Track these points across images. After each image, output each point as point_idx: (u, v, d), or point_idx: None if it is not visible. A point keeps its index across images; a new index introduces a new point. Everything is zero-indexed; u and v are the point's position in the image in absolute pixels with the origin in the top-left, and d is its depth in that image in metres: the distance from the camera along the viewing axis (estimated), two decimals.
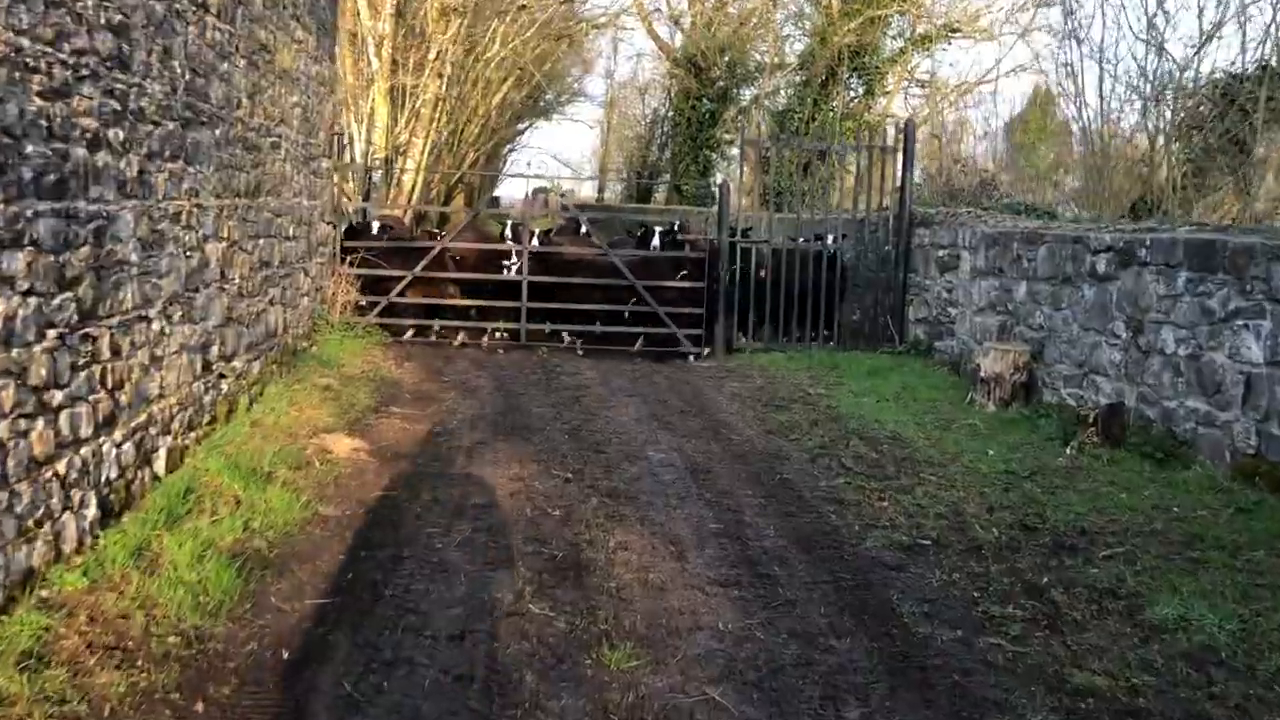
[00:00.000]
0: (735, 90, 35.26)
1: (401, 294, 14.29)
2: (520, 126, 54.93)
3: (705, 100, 39.57)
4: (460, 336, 14.52)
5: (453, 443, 9.03)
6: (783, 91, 32.56)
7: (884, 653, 5.32)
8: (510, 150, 51.90)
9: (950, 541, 6.94)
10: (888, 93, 28.37)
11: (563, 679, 4.89)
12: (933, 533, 7.08)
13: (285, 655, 4.98)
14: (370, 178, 22.22)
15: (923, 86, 28.45)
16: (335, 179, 13.91)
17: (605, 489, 7.84)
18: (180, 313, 7.67)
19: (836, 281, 14.86)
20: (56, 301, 5.54)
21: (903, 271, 14.65)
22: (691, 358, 14.20)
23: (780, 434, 9.89)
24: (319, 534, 6.60)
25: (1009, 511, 7.55)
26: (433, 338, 14.62)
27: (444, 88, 22.54)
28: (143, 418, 6.88)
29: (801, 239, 15.07)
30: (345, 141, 23.43)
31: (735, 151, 36.43)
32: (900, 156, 14.63)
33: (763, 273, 14.92)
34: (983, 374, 11.09)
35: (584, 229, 16.16)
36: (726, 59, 38.23)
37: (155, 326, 7.16)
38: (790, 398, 11.54)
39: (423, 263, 14.02)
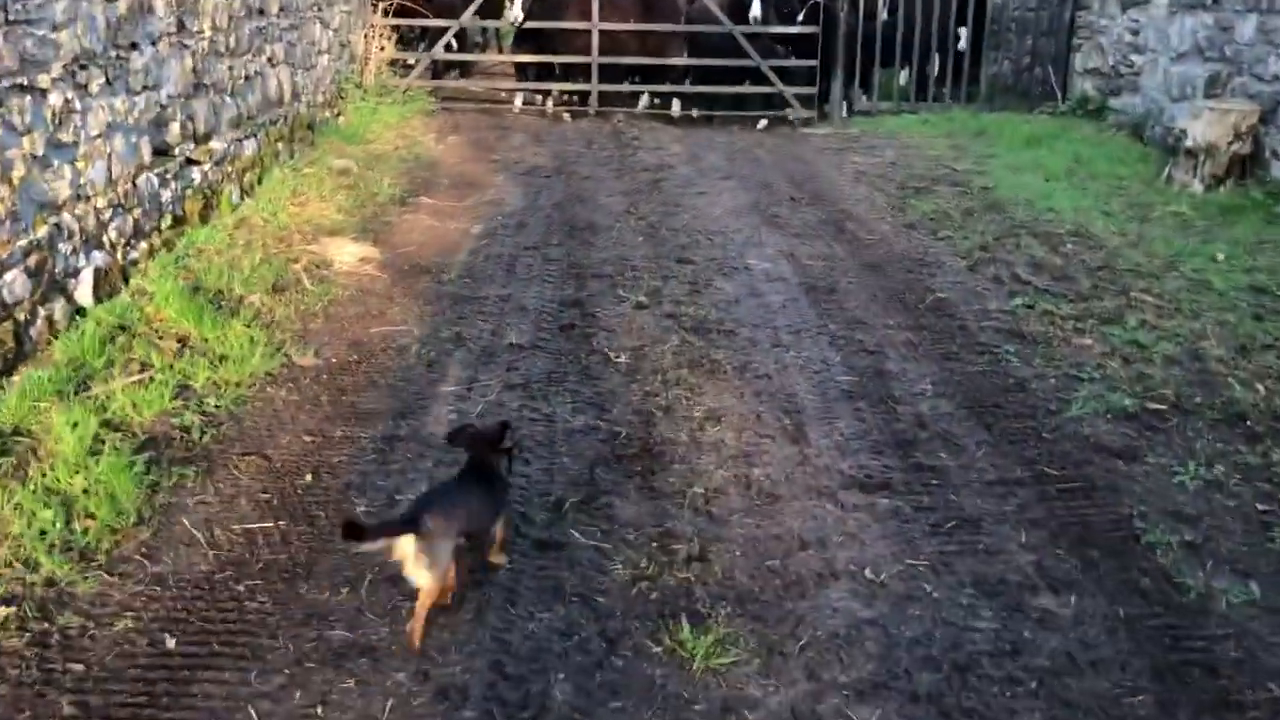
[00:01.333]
0: None
1: (451, 48, 11.86)
2: None
3: None
4: (518, 101, 12.11)
5: (492, 249, 6.91)
6: None
7: (1139, 635, 3.24)
8: None
9: (1196, 407, 4.70)
10: None
11: (611, 690, 2.94)
12: (1167, 391, 4.84)
13: (170, 644, 3.11)
14: None
15: None
16: None
17: (691, 320, 5.70)
18: (102, 79, 5.54)
19: (984, 22, 11.90)
20: None
21: (1070, 8, 11.60)
22: (802, 124, 11.62)
23: (924, 229, 7.53)
24: (283, 399, 4.66)
25: (1274, 353, 5.24)
26: (488, 104, 12.24)
27: None
28: (42, 231, 4.90)
29: None
30: None
31: None
32: None
33: (885, 12, 12.03)
34: (1189, 142, 8.42)
35: None
36: None
37: (54, 99, 5.05)
38: (931, 176, 9.05)
39: (471, 8, 11.48)
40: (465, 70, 13.31)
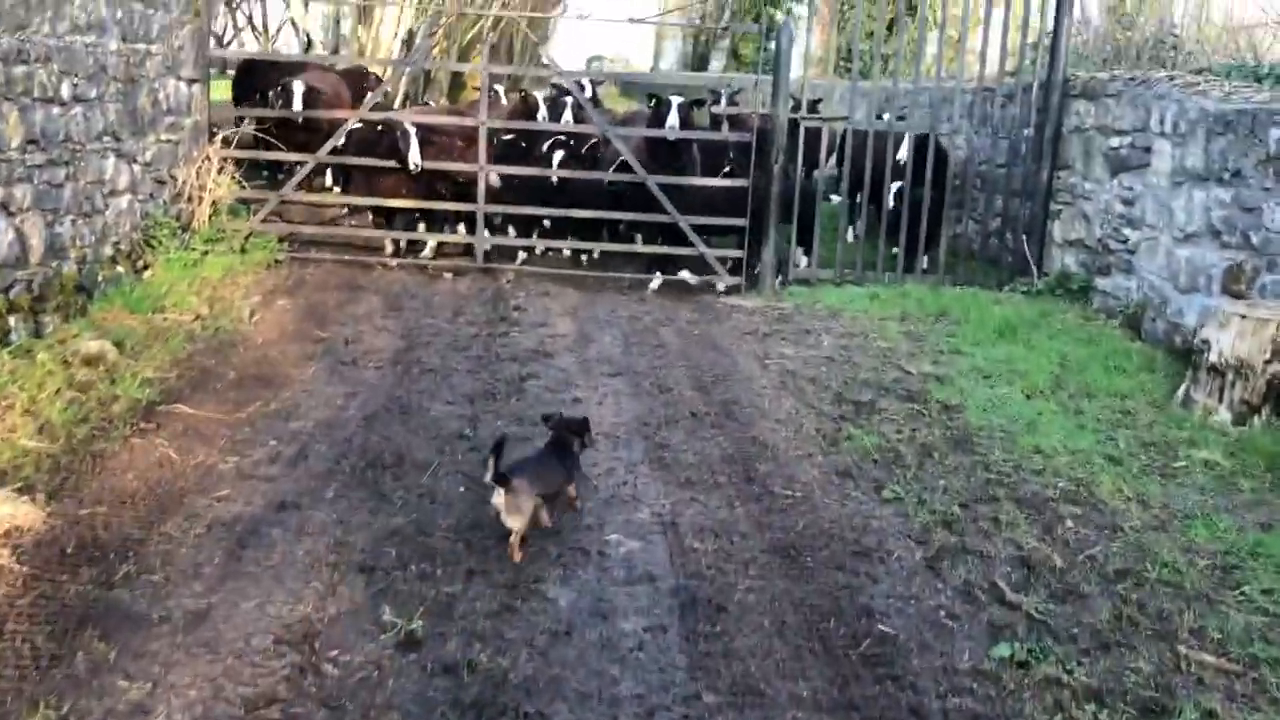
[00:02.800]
0: None
1: (308, 186, 9.85)
2: None
3: None
4: (388, 250, 10.01)
5: (229, 509, 4.66)
6: None
7: None
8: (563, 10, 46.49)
9: None
10: None
11: None
12: None
13: None
14: (338, 26, 17.55)
15: None
16: (199, 9, 9.32)
17: (474, 692, 3.47)
18: None
19: (944, 177, 10.09)
20: None
21: (1048, 168, 9.82)
22: (728, 291, 9.63)
23: (865, 480, 5.41)
24: None
25: None
26: (364, 251, 10.15)
27: None
28: None
29: (890, 115, 10.29)
30: None
31: (803, 10, 30.96)
32: None
33: (831, 166, 10.25)
34: (1213, 356, 6.46)
35: (586, 93, 11.42)
36: None
37: None
38: (879, 383, 6.99)
39: (330, 143, 9.48)
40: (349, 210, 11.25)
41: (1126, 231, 8.72)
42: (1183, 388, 6.70)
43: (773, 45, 9.79)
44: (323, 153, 9.48)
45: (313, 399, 6.14)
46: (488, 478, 4.28)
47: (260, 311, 7.87)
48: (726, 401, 6.55)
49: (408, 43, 21.40)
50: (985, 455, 5.75)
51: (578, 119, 10.94)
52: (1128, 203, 8.73)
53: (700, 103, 10.45)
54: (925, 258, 10.08)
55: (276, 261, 9.36)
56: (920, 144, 9.99)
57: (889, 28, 16.96)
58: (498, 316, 8.22)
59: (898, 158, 9.99)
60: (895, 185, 10.00)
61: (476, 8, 25.12)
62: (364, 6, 16.77)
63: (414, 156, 9.27)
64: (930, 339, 8.16)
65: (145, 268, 8.26)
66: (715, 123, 10.66)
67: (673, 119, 9.42)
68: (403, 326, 7.79)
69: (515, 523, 4.29)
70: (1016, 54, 10.76)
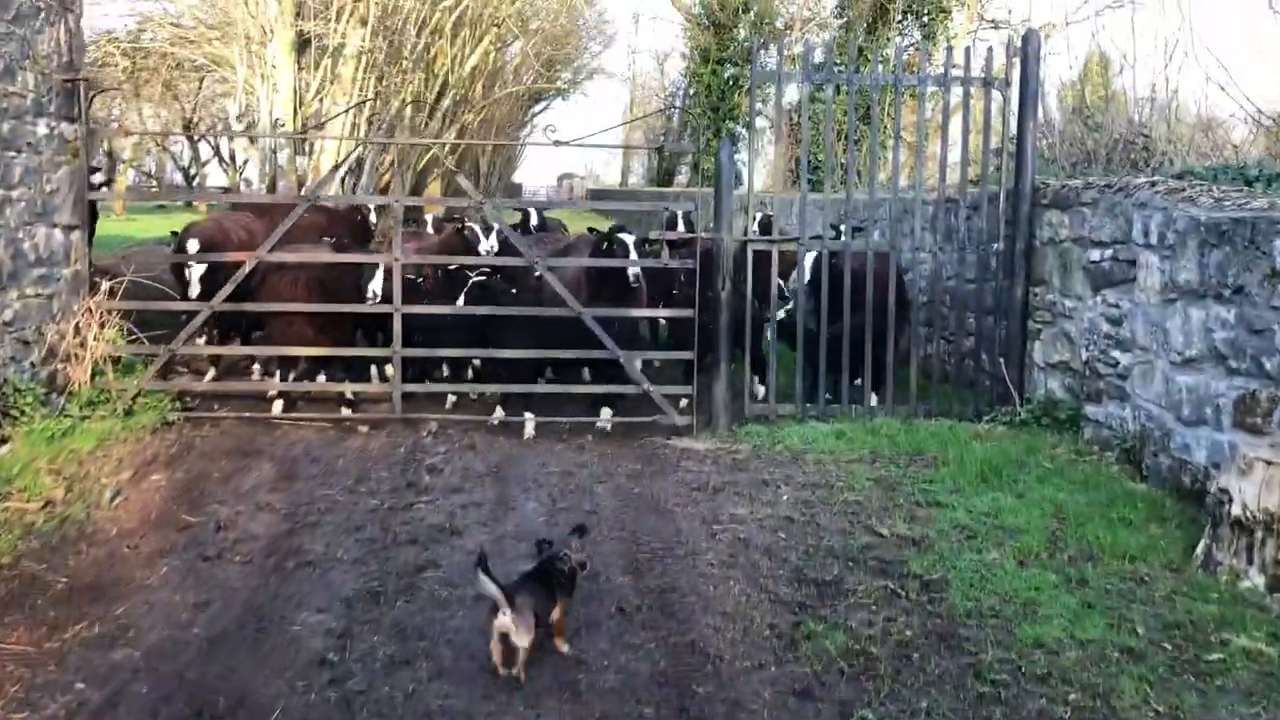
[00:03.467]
0: (761, 50, 29.73)
1: (211, 337, 8.87)
2: (536, 108, 49.63)
3: (727, 64, 33.95)
4: (275, 408, 8.90)
5: None
6: (819, 49, 26.79)
7: None
8: (529, 133, 46.53)
9: None
10: (953, 39, 22.49)
11: None
12: None
13: None
14: (275, 157, 16.84)
15: (997, 27, 22.49)
16: (77, 149, 8.44)
17: None
18: None
19: (912, 303, 9.23)
20: None
21: (1022, 284, 8.95)
22: (676, 431, 8.62)
23: (827, 697, 4.30)
24: None
25: None
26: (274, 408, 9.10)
27: (367, 38, 16.95)
28: None
29: (848, 226, 9.45)
30: (241, 111, 18.10)
31: (763, 123, 30.82)
32: (1016, 91, 8.91)
33: (789, 290, 9.38)
34: (1236, 509, 5.45)
35: (539, 221, 10.56)
36: (752, 14, 32.73)
37: None
38: (845, 551, 5.92)
39: (225, 290, 8.51)
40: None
41: (1116, 354, 7.79)
42: (1202, 545, 5.66)
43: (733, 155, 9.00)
44: (218, 300, 8.49)
45: (152, 614, 5.01)
46: (489, 591, 4.33)
47: (128, 490, 6.77)
48: (663, 589, 5.45)
49: (356, 171, 20.84)
50: (976, 655, 4.66)
51: (504, 249, 10.13)
52: (1115, 321, 7.82)
53: (652, 242, 9.65)
54: (891, 384, 9.11)
55: (166, 423, 8.30)
56: (882, 262, 9.14)
57: (842, 136, 16.40)
58: (405, 483, 7.14)
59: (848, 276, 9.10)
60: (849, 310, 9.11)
61: (430, 135, 24.69)
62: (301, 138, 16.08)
63: (374, 286, 8.47)
64: (905, 486, 7.13)
65: (1, 442, 7.19)
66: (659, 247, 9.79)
67: (634, 269, 8.60)
68: (291, 502, 6.70)
69: (525, 640, 4.36)
70: (979, 160, 10.03)
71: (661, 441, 8.45)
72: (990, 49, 9.15)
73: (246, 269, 8.51)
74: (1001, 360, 8.96)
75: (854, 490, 7.08)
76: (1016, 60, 8.93)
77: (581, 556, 4.74)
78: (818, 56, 9.65)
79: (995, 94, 9.03)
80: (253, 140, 18.71)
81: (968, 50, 9.10)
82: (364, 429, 8.60)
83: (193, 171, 43.26)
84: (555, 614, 4.63)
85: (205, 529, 6.17)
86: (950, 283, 9.63)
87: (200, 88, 23.59)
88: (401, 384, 8.69)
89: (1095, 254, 8.09)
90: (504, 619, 4.33)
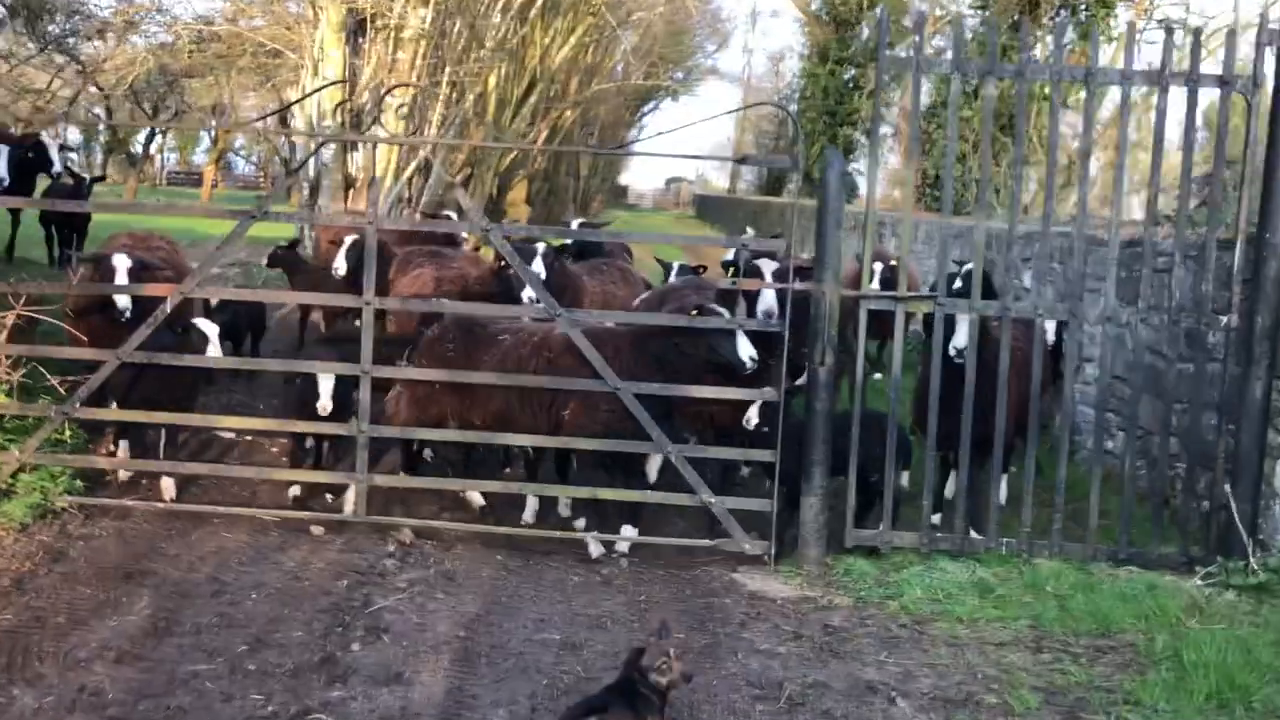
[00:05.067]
0: (888, 48, 26.97)
1: (109, 397, 6.66)
2: (645, 108, 47.47)
3: (847, 64, 31.18)
4: (167, 495, 6.56)
5: None
6: (949, 50, 23.85)
7: None
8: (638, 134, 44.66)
9: None
10: (1115, 39, 19.36)
11: None
12: None
13: None
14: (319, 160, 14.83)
15: (1170, 31, 19.21)
16: None
17: None
18: None
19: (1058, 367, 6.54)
20: None
21: (1264, 375, 6.11)
22: (745, 563, 6.10)
23: None
24: None
25: None
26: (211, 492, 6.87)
27: (428, 19, 14.71)
28: None
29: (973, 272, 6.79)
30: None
31: (885, 129, 27.90)
32: (1269, 93, 6.11)
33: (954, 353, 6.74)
34: None
35: (549, 258, 8.08)
36: (877, 10, 29.90)
37: None
38: None
39: (134, 339, 6.25)
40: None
41: None
42: None
43: (851, 164, 6.45)
44: (129, 348, 6.23)
45: None
46: None
47: None
48: None
49: (424, 171, 18.81)
50: None
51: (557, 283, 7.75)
52: None
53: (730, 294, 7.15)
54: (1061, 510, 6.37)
55: (52, 513, 6.11)
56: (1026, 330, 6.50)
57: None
58: (320, 656, 4.70)
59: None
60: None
61: (515, 135, 22.52)
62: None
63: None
64: (1092, 706, 4.48)
65: None
66: (726, 297, 7.13)
67: (747, 350, 6.05)
68: (135, 689, 4.33)
69: None
70: (1179, 186, 7.20)
71: (725, 578, 5.94)
72: (1232, 32, 6.39)
73: (169, 305, 6.28)
74: (1228, 484, 6.15)
75: (1011, 713, 4.46)
76: (1270, 52, 6.14)
77: (687, 668, 3.82)
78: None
79: (1235, 97, 6.25)
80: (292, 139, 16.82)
81: (1197, 34, 6.37)
82: (318, 530, 6.29)
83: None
84: None
85: None
86: (1130, 354, 6.83)
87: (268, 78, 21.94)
88: (367, 473, 6.31)
89: None
90: None
